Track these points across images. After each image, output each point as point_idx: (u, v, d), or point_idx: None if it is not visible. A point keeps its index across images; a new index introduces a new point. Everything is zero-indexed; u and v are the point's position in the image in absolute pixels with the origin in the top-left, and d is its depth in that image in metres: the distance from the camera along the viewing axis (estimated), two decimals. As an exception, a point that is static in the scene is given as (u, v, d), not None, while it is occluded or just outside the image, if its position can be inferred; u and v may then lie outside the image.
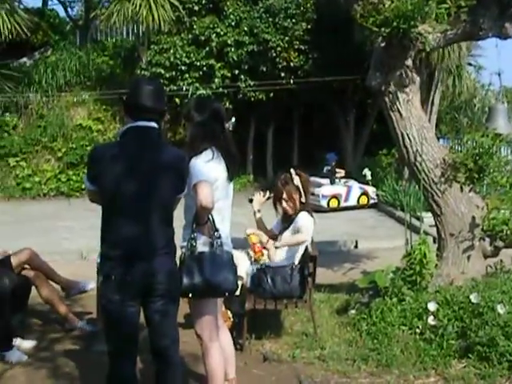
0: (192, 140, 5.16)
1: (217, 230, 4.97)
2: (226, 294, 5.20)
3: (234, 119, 5.43)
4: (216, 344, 5.22)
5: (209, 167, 4.98)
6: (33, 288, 7.32)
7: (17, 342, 6.80)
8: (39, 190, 19.18)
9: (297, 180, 7.09)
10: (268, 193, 7.22)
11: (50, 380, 6.18)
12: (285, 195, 7.08)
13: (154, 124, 4.52)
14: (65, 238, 13.02)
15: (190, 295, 4.93)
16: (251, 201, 7.24)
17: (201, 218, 4.91)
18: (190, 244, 4.92)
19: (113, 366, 4.58)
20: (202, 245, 4.96)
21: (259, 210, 7.22)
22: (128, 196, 4.35)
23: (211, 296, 5.13)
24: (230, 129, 5.34)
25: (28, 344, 6.93)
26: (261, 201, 7.18)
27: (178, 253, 4.78)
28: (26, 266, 7.29)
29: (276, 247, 7.00)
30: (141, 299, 4.45)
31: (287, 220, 7.15)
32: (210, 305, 5.18)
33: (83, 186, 18.04)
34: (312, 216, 7.09)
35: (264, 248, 7.04)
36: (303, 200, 7.08)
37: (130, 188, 4.35)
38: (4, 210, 16.25)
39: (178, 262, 4.76)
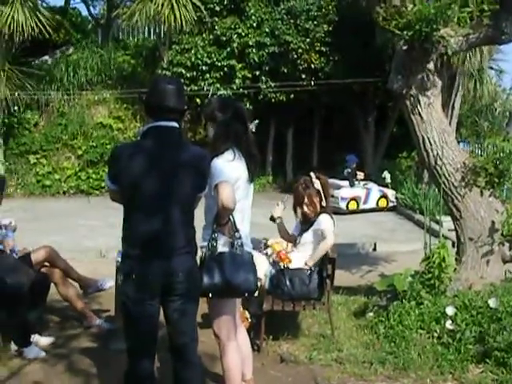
0: (214, 140, 5.16)
1: (237, 231, 4.97)
2: (246, 294, 5.19)
3: (257, 121, 5.43)
4: (233, 344, 5.23)
5: (230, 167, 4.98)
6: (51, 285, 7.37)
7: (35, 338, 6.83)
8: (59, 188, 19.32)
9: (317, 183, 7.10)
10: (284, 203, 7.23)
11: (67, 376, 6.21)
12: (306, 199, 7.09)
13: (174, 123, 4.53)
14: (84, 235, 13.06)
15: (210, 295, 4.93)
16: (273, 219, 7.24)
17: (222, 219, 4.91)
18: (211, 244, 4.92)
19: (131, 364, 4.59)
20: (222, 245, 4.96)
21: (279, 217, 7.23)
22: (148, 195, 4.37)
23: (231, 296, 5.14)
24: (253, 130, 5.34)
25: (46, 340, 6.96)
26: (280, 210, 7.20)
27: (199, 253, 4.78)
28: (46, 263, 7.34)
29: (309, 266, 6.99)
30: (160, 298, 4.46)
31: (307, 222, 7.16)
32: (228, 305, 5.19)
33: (103, 184, 18.23)
34: (332, 218, 7.10)
35: (287, 253, 7.06)
36: (323, 203, 7.09)
37: (151, 187, 4.36)
38: (24, 207, 16.32)
39: (198, 262, 4.78)
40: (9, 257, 6.90)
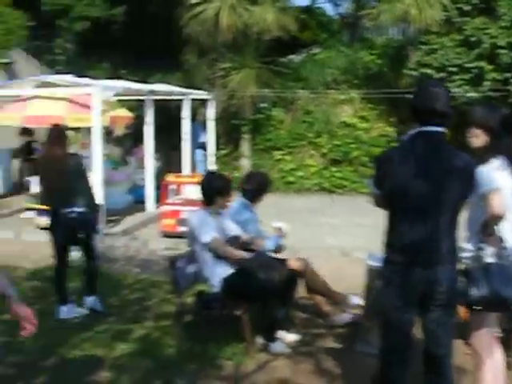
0: (482, 147, 5.04)
1: (505, 241, 4.82)
2: None
3: None
4: (492, 360, 5.05)
5: (498, 176, 4.86)
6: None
7: (281, 334, 6.97)
8: (302, 185, 19.59)
9: None
10: None
11: (312, 375, 6.26)
12: None
13: (441, 128, 4.43)
14: (327, 233, 13.15)
15: (476, 308, 4.80)
16: None
17: (490, 228, 4.78)
18: (478, 254, 4.81)
19: (383, 369, 4.59)
20: (489, 256, 4.82)
21: None
22: (417, 201, 4.31)
23: (497, 310, 4.98)
24: None
25: (291, 337, 7.05)
26: None
27: (461, 264, 4.67)
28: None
29: None
30: (419, 306, 4.40)
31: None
32: (491, 318, 5.04)
33: (345, 183, 18.35)
34: None
35: None
36: None
37: (419, 193, 4.30)
38: (268, 203, 16.63)
39: (459, 273, 4.65)
40: (262, 254, 7.11)
